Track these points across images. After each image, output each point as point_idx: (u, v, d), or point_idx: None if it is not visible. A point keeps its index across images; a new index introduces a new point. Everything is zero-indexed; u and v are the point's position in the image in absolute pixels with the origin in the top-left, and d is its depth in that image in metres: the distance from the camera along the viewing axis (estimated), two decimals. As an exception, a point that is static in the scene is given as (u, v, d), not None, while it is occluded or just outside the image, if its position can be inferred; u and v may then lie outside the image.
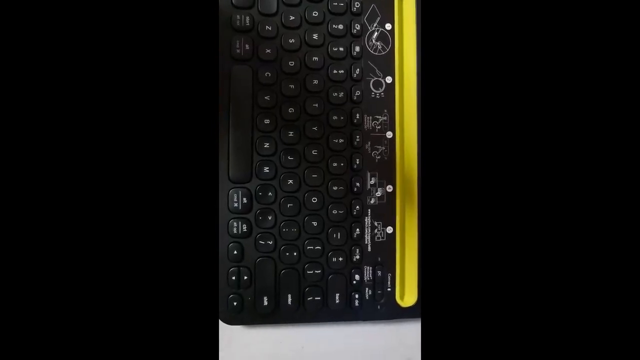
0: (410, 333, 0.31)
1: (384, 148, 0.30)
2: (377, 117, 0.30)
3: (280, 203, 0.29)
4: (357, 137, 0.30)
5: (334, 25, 0.30)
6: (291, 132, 0.29)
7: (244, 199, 0.29)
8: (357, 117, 0.30)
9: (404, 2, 0.31)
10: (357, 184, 0.30)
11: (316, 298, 0.29)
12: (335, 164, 0.30)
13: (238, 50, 0.29)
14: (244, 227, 0.29)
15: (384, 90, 0.31)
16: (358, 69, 0.30)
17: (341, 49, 0.30)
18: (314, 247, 0.29)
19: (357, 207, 0.30)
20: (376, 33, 0.31)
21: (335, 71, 0.30)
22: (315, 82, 0.30)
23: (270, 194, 0.29)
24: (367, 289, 0.30)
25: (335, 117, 0.30)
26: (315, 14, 0.30)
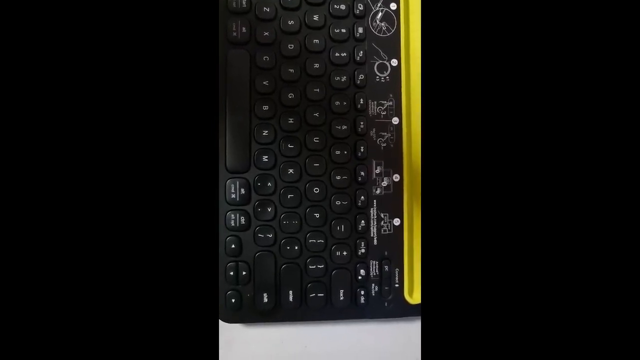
0: (419, 331, 0.30)
1: (389, 135, 0.29)
2: (382, 102, 0.29)
3: (280, 194, 0.27)
4: (361, 123, 0.28)
5: (335, 6, 0.28)
6: (291, 119, 0.27)
7: (242, 189, 0.27)
8: (361, 102, 0.28)
9: (410, -19, 0.30)
10: (362, 173, 0.28)
11: (319, 295, 0.28)
12: (338, 152, 0.28)
13: (234, 34, 0.27)
14: (242, 220, 0.27)
15: (389, 74, 0.29)
16: (361, 52, 0.28)
17: (343, 30, 0.28)
18: (316, 241, 0.28)
19: (362, 197, 0.28)
20: (380, 13, 0.29)
21: (337, 54, 0.28)
22: (316, 65, 0.28)
23: (269, 184, 0.27)
24: (373, 284, 0.28)
25: (337, 103, 0.28)
26: (315, -6, 0.28)
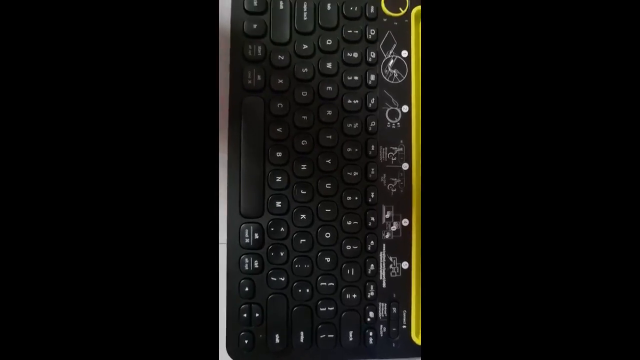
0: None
1: (399, 180, 0.29)
2: (393, 148, 0.29)
3: (292, 238, 0.28)
4: (372, 169, 0.29)
5: (348, 54, 0.29)
6: (304, 165, 0.28)
7: (256, 234, 0.28)
8: (372, 148, 0.29)
9: (421, 29, 0.30)
10: (372, 218, 0.29)
11: (329, 336, 0.28)
12: (349, 198, 0.29)
13: (250, 81, 0.28)
14: (256, 263, 0.28)
15: (400, 120, 0.30)
16: (373, 99, 0.29)
17: (356, 77, 0.29)
18: (327, 284, 0.28)
19: (372, 242, 0.29)
20: (392, 61, 0.30)
21: (349, 101, 0.29)
22: (329, 112, 0.29)
23: (282, 229, 0.28)
24: (381, 326, 0.29)
25: (349, 149, 0.29)
26: (329, 42, 0.29)
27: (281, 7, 0.29)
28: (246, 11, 0.29)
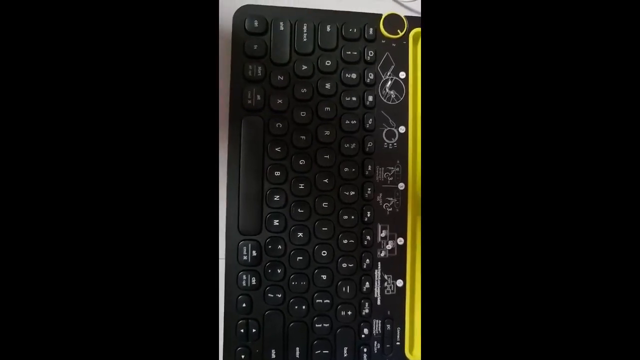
0: (418, 385, 0.31)
1: (395, 200, 0.30)
2: (390, 168, 0.30)
3: (289, 256, 0.29)
4: (369, 189, 0.29)
5: (347, 75, 0.30)
6: (302, 185, 0.29)
7: (254, 251, 0.29)
8: (369, 168, 0.29)
9: (419, 51, 0.31)
10: (368, 237, 0.29)
11: (324, 351, 0.29)
12: (345, 217, 0.29)
13: (250, 101, 0.29)
14: (253, 280, 0.29)
15: (396, 141, 0.30)
16: (371, 119, 0.30)
17: (354, 98, 0.30)
18: (322, 301, 0.29)
19: (367, 260, 0.29)
20: (390, 82, 0.30)
21: (347, 121, 0.29)
22: (327, 133, 0.29)
23: (279, 246, 0.29)
24: (375, 342, 0.30)
25: (346, 169, 0.29)
26: (328, 63, 0.29)
27: (281, 28, 0.29)
28: (247, 32, 0.29)
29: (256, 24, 0.29)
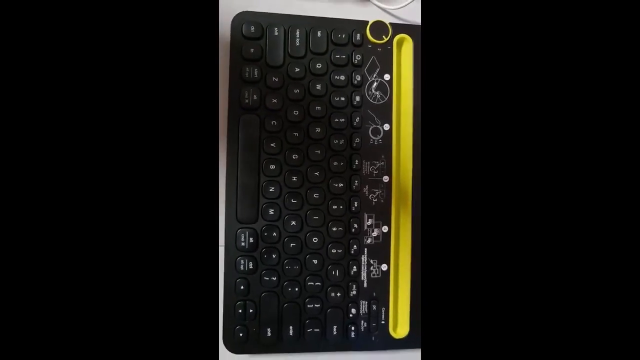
0: (402, 361, 0.34)
1: (380, 191, 0.33)
2: (375, 162, 0.33)
3: (283, 242, 0.31)
4: (356, 181, 0.32)
5: (336, 77, 0.32)
6: (295, 177, 0.31)
7: (251, 238, 0.31)
8: (356, 162, 0.32)
9: (402, 55, 0.34)
10: (355, 225, 0.32)
11: (315, 330, 0.32)
12: (335, 207, 0.32)
13: (247, 101, 0.31)
14: (250, 265, 0.31)
15: (381, 137, 0.33)
16: (358, 118, 0.32)
17: (342, 98, 0.32)
18: (314, 283, 0.32)
19: (355, 246, 0.32)
20: (375, 83, 0.33)
21: (336, 120, 0.32)
22: (318, 130, 0.32)
23: (274, 234, 0.31)
24: (362, 321, 0.32)
25: (335, 163, 0.32)
26: (319, 65, 0.32)
27: (276, 33, 0.32)
28: (244, 37, 0.32)
29: (253, 29, 0.32)
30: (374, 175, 0.33)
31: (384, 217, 0.33)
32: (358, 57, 0.33)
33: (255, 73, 0.31)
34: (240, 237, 0.31)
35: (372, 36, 0.33)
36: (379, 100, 0.33)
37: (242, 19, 0.32)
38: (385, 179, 0.33)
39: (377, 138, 0.33)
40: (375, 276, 0.33)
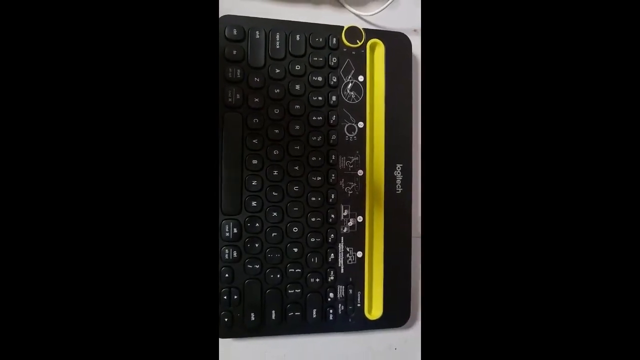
0: (376, 341, 0.37)
1: (355, 184, 0.35)
2: (350, 157, 0.35)
3: (266, 232, 0.34)
4: (333, 175, 0.35)
5: (314, 78, 0.35)
6: (276, 171, 0.34)
7: (235, 229, 0.33)
8: (333, 158, 0.35)
9: (375, 58, 0.36)
10: (332, 216, 0.35)
11: (296, 313, 0.34)
12: (313, 199, 0.34)
13: (230, 99, 0.33)
14: (235, 254, 0.33)
15: (356, 134, 0.35)
16: (334, 116, 0.35)
17: (320, 98, 0.35)
18: (294, 270, 0.34)
19: (332, 235, 0.35)
20: (350, 84, 0.35)
21: (314, 118, 0.34)
22: (297, 127, 0.34)
23: (257, 224, 0.33)
24: (340, 305, 0.35)
25: (314, 158, 0.34)
26: (297, 67, 0.34)
27: (257, 36, 0.34)
28: (227, 39, 0.33)
29: (235, 32, 0.33)
30: (350, 169, 0.35)
31: (358, 208, 0.35)
32: (334, 59, 0.35)
33: (238, 73, 0.33)
34: (225, 228, 0.33)
35: (347, 40, 0.35)
36: (353, 100, 0.36)
37: (225, 22, 0.34)
38: (360, 172, 0.35)
39: (352, 135, 0.35)
40: (352, 263, 0.35)
